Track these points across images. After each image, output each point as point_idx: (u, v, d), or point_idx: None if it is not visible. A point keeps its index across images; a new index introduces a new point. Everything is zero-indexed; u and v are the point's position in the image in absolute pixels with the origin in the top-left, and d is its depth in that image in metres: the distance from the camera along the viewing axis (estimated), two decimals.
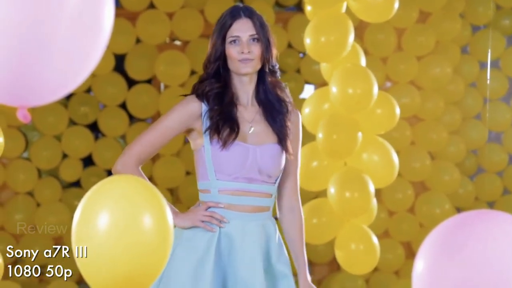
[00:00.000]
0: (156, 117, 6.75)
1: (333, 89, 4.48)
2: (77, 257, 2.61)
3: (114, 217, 2.47)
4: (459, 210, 6.70)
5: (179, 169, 6.58)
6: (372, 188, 4.51)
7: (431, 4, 6.52)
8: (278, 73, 3.20)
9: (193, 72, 6.65)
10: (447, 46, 6.68)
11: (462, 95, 6.77)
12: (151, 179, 6.71)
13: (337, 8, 4.47)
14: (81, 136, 6.59)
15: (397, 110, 4.72)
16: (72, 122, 6.69)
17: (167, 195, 6.54)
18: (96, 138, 6.74)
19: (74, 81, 2.09)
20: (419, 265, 2.18)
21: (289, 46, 6.72)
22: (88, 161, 6.71)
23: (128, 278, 2.47)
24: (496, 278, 2.09)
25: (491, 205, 6.91)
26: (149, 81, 6.76)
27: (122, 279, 2.47)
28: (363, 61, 4.66)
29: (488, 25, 6.93)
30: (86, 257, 2.55)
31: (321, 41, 4.43)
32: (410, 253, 6.55)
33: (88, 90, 6.66)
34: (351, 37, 4.46)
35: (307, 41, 4.46)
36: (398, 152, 6.48)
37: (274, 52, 3.16)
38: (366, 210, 4.52)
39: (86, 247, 2.54)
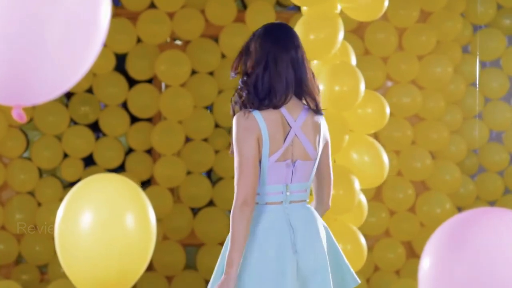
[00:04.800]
0: (157, 117, 6.75)
1: (320, 86, 4.49)
2: (60, 254, 2.60)
3: (96, 215, 2.46)
4: (460, 209, 6.70)
5: (180, 168, 6.57)
6: (357, 187, 4.52)
7: (432, 3, 6.52)
8: (239, 84, 3.31)
9: (193, 72, 6.65)
10: (448, 45, 6.68)
11: (463, 94, 6.77)
12: (152, 178, 6.71)
13: (328, 6, 4.47)
14: (82, 135, 6.59)
15: (387, 110, 4.71)
16: (73, 122, 6.69)
17: (168, 195, 6.54)
18: (97, 137, 6.74)
19: (69, 80, 2.07)
20: (425, 263, 2.19)
21: None
22: (89, 161, 6.71)
23: (110, 276, 2.46)
24: (501, 274, 2.10)
25: (492, 204, 6.91)
26: (150, 81, 6.76)
27: (104, 276, 2.46)
28: (353, 59, 4.66)
29: (489, 25, 6.94)
30: (68, 254, 2.53)
31: (310, 38, 4.43)
32: (411, 253, 6.55)
33: (89, 90, 6.66)
34: (341, 35, 4.46)
35: None
36: (399, 152, 6.51)
37: (246, 62, 3.31)
38: (350, 209, 4.53)
39: (69, 245, 2.53)
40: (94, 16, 2.02)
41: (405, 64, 6.51)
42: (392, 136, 6.40)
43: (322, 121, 3.38)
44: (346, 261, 3.40)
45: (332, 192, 3.48)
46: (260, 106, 3.22)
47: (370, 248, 6.36)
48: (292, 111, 3.28)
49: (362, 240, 4.64)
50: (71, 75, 2.04)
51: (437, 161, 6.61)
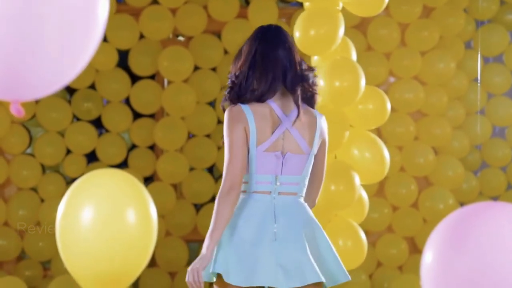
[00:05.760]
0: (159, 113, 6.75)
1: (321, 82, 4.49)
2: (61, 250, 2.60)
3: (97, 211, 2.46)
4: (462, 205, 6.70)
5: (183, 164, 6.58)
6: (358, 183, 4.52)
7: None
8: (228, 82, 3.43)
9: (196, 68, 6.65)
10: (450, 41, 6.67)
11: (466, 90, 6.77)
12: (155, 174, 6.72)
13: (329, 2, 4.47)
14: (85, 132, 6.60)
15: (388, 105, 4.71)
16: (75, 118, 6.70)
17: (170, 191, 6.54)
18: (100, 134, 6.75)
19: (68, 74, 2.06)
20: (427, 258, 2.19)
21: None
22: (91, 157, 6.72)
23: (111, 272, 2.46)
24: (503, 268, 2.10)
25: (495, 200, 6.90)
26: (152, 77, 6.76)
27: (105, 272, 2.46)
28: (354, 55, 4.65)
29: (492, 20, 6.93)
30: (69, 250, 2.53)
31: (310, 34, 4.43)
32: (414, 249, 6.55)
33: (92, 86, 6.66)
34: (341, 30, 4.45)
35: (296, 34, 4.45)
36: (401, 147, 6.51)
37: (237, 63, 3.43)
38: (349, 204, 4.53)
39: (70, 241, 2.53)
40: (92, 9, 2.01)
41: (407, 59, 6.51)
42: (395, 132, 6.40)
43: (320, 119, 3.42)
44: (338, 258, 3.43)
45: (320, 190, 3.50)
46: (246, 100, 3.33)
47: (372, 244, 6.36)
48: (285, 107, 3.36)
49: (363, 236, 4.63)
50: (69, 69, 2.03)
51: (439, 157, 6.61)
